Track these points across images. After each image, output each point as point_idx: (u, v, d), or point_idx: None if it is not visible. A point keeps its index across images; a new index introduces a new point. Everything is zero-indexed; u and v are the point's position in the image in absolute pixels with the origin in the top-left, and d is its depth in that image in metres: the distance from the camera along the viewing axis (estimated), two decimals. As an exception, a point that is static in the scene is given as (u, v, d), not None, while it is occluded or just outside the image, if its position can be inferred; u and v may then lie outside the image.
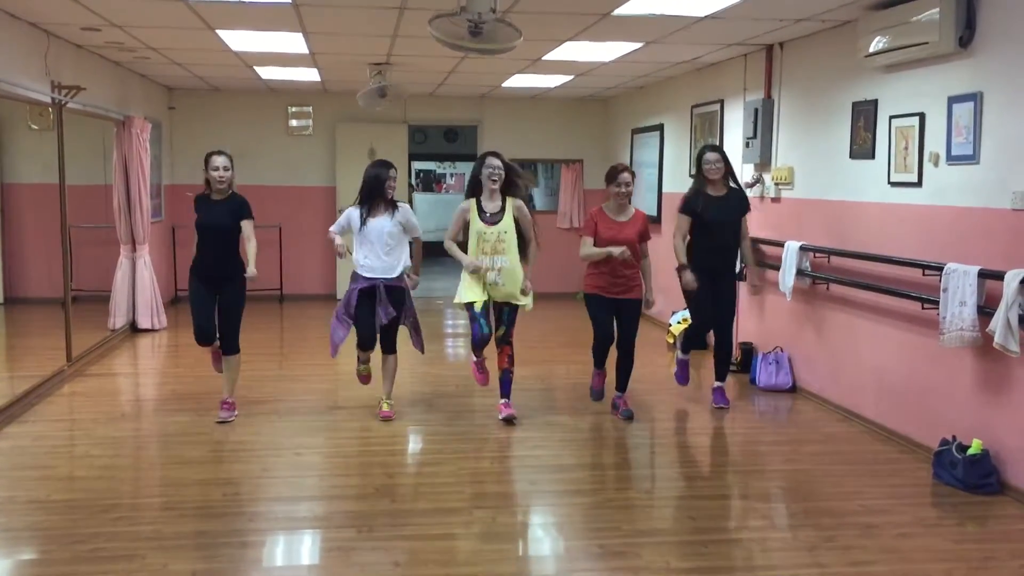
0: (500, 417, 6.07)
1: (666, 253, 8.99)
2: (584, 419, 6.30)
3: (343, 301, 6.05)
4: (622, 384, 6.32)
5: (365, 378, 6.47)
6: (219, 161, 5.90)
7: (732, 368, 7.64)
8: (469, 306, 5.92)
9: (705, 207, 6.23)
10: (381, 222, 5.91)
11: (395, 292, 5.96)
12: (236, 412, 6.11)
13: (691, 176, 6.78)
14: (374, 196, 5.92)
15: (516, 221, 5.89)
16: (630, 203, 6.18)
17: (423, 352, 6.37)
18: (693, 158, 9.00)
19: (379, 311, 5.89)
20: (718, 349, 6.59)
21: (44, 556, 3.96)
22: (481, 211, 5.89)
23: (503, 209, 5.88)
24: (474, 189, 5.96)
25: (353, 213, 5.98)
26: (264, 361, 7.91)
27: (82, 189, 8.72)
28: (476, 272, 5.85)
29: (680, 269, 6.31)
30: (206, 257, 5.96)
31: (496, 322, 6.03)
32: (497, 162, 5.86)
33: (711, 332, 6.89)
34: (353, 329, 6.03)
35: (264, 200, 9.34)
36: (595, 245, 6.03)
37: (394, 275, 5.96)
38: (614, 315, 6.13)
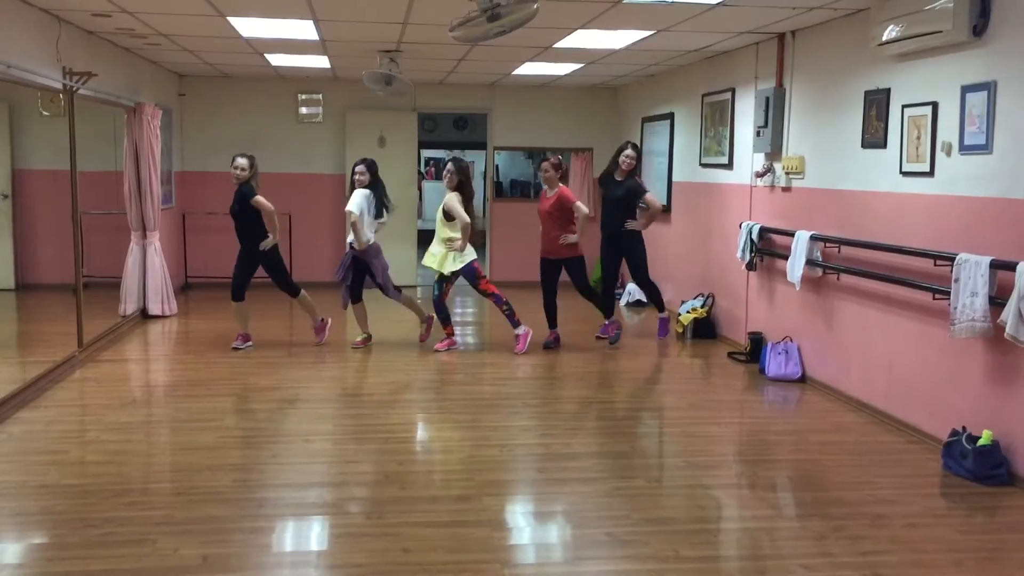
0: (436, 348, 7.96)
1: (676, 250, 8.96)
2: (592, 407, 6.31)
3: (386, 271, 7.88)
4: (609, 311, 8.31)
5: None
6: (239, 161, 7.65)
7: (742, 358, 7.66)
8: (455, 275, 7.81)
9: (607, 185, 8.47)
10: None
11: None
12: (326, 335, 8.25)
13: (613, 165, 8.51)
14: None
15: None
16: (557, 184, 8.03)
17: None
18: (704, 147, 9.05)
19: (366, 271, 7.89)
20: (647, 294, 8.69)
21: (56, 540, 3.99)
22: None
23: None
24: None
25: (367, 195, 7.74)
26: (274, 348, 7.94)
27: (93, 175, 8.76)
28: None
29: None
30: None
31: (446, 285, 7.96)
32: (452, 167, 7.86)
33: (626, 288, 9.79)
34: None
35: (274, 188, 9.34)
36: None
37: None
38: (551, 271, 8.11)
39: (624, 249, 8.47)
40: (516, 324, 7.91)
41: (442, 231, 7.75)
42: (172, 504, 4.38)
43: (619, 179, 8.37)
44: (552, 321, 8.20)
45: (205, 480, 4.70)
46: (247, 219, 7.62)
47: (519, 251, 11.64)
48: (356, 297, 7.95)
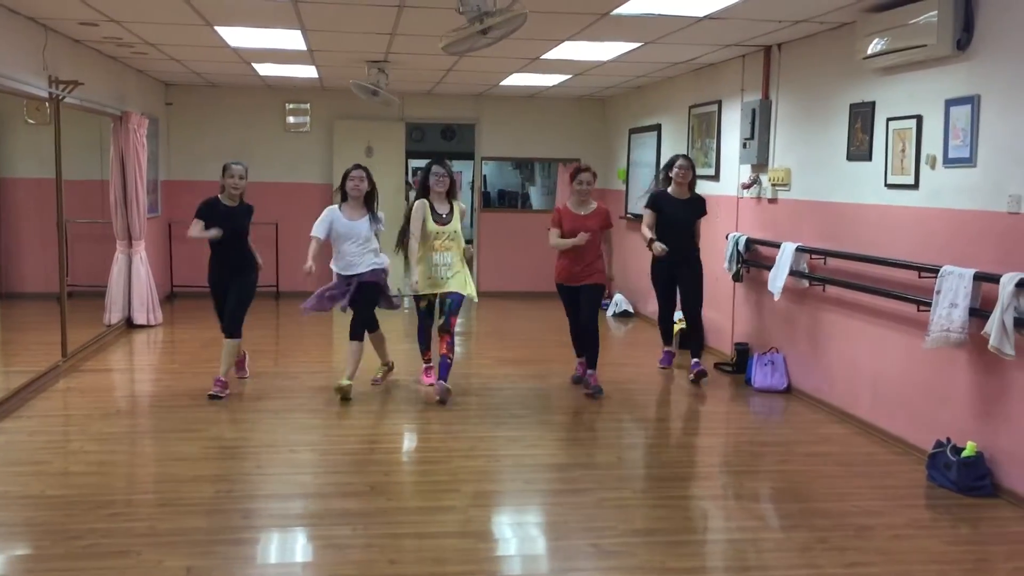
0: (437, 399, 6.50)
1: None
2: (580, 418, 6.31)
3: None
4: (592, 362, 6.84)
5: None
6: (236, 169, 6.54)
7: (728, 369, 7.67)
8: (418, 300, 6.73)
9: (668, 207, 7.26)
10: (359, 224, 6.59)
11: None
12: (228, 392, 6.60)
13: (658, 179, 7.74)
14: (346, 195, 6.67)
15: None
16: (590, 198, 6.90)
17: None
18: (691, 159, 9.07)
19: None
20: (692, 332, 7.42)
21: (38, 552, 3.96)
22: (434, 212, 6.58)
23: (451, 211, 6.64)
24: (424, 192, 6.66)
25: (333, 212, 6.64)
26: (259, 358, 7.90)
27: (78, 184, 8.72)
28: (413, 293, 6.73)
29: (650, 242, 7.24)
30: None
31: (441, 311, 6.66)
32: (442, 170, 6.64)
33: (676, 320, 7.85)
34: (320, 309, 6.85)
35: (261, 197, 9.31)
36: (560, 236, 6.81)
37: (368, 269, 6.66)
38: (578, 299, 6.84)
39: (684, 274, 7.33)
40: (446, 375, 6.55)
41: (456, 246, 6.60)
42: (156, 515, 4.35)
43: (681, 197, 7.30)
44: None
45: (189, 491, 4.67)
46: (244, 239, 6.64)
47: (507, 261, 11.66)
48: (374, 325, 6.88)
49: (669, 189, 7.34)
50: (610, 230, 6.95)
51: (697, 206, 7.38)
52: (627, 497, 4.79)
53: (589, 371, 6.83)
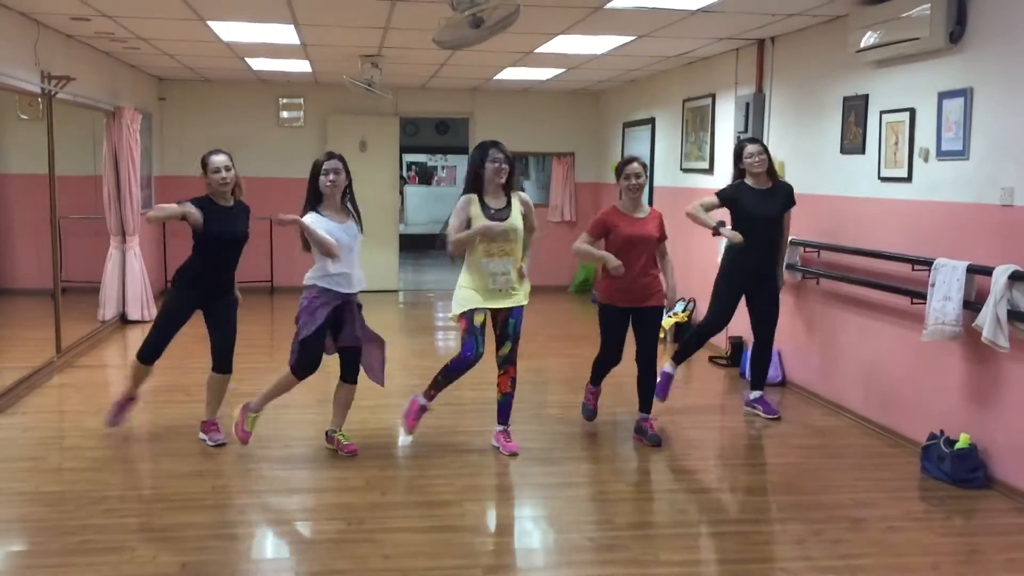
0: (505, 453, 5.29)
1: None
2: (575, 412, 6.31)
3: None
4: (646, 405, 5.67)
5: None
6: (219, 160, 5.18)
7: (723, 363, 7.68)
8: (468, 317, 5.15)
9: (744, 198, 5.96)
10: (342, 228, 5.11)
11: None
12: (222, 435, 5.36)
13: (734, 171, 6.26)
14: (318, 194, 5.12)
15: (523, 217, 5.22)
16: (644, 200, 5.67)
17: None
18: (685, 152, 9.07)
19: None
20: (757, 356, 6.26)
21: (33, 548, 3.96)
22: (485, 207, 5.10)
23: (509, 205, 5.15)
24: (474, 184, 5.15)
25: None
26: (254, 353, 7.89)
27: (72, 180, 8.68)
28: (489, 233, 5.02)
29: (718, 227, 5.89)
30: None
31: (500, 337, 5.29)
32: (501, 155, 5.07)
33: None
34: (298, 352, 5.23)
35: (255, 192, 9.29)
36: (613, 244, 5.43)
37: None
38: (628, 326, 5.61)
39: (761, 289, 6.09)
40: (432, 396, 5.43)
41: (516, 249, 5.21)
42: (151, 511, 4.35)
43: (761, 187, 5.96)
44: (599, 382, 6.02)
45: (184, 487, 4.67)
46: (240, 252, 5.43)
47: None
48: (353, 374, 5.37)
49: (747, 180, 6.01)
50: (666, 243, 5.65)
51: (783, 196, 6.01)
52: (621, 490, 4.80)
53: (645, 415, 5.68)
